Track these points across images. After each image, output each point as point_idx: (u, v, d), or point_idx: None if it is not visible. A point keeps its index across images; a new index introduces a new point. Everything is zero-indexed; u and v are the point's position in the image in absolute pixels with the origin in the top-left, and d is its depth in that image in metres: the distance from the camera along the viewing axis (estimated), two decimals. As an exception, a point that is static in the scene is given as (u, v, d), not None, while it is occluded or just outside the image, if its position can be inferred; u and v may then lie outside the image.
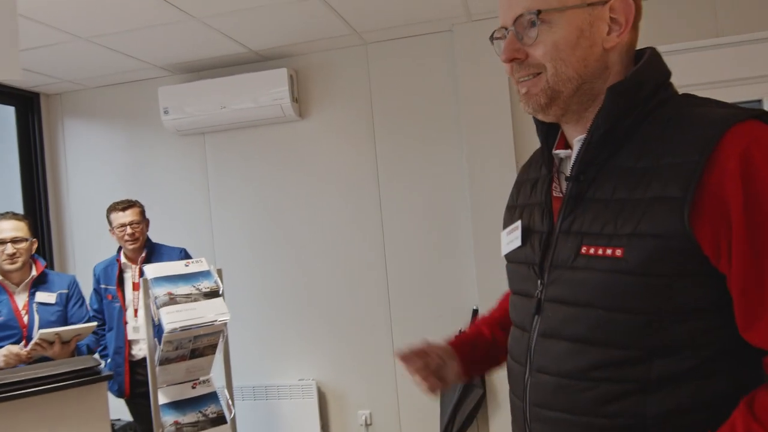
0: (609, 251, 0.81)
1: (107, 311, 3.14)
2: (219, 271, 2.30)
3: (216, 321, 2.14)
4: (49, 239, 4.03)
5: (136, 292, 3.13)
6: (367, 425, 3.68)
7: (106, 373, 1.92)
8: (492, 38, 0.96)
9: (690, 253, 0.78)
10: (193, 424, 2.16)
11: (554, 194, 0.95)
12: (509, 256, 1.03)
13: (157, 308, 2.09)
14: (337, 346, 3.73)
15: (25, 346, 2.57)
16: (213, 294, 2.22)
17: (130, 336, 3.10)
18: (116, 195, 3.26)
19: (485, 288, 3.34)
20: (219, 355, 2.32)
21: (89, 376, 1.85)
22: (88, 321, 2.80)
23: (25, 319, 2.62)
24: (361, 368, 3.71)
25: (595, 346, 0.83)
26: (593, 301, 0.83)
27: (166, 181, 3.97)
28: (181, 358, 2.19)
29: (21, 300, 2.65)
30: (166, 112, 3.78)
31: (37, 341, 2.40)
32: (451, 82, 3.51)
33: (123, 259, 3.15)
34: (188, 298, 2.16)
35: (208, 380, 2.32)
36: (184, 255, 3.17)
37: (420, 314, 3.60)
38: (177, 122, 3.78)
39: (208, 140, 3.94)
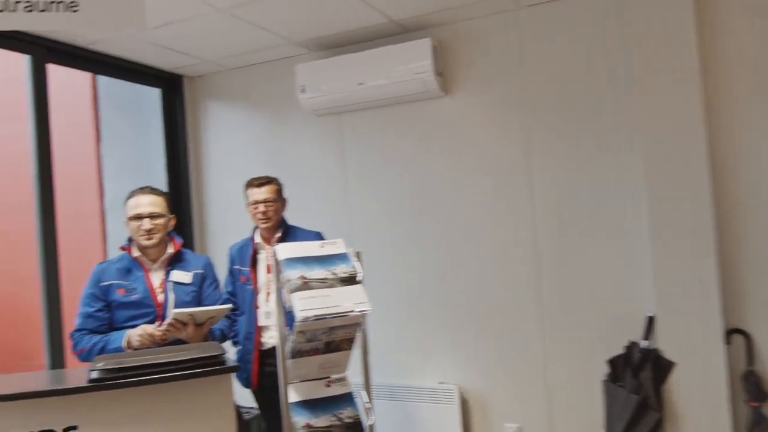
0: None
1: (240, 294, 2.99)
2: (358, 255, 1.99)
3: (354, 311, 1.84)
4: (190, 220, 4.04)
5: (269, 275, 2.95)
6: (515, 440, 3.25)
7: (231, 363, 1.69)
8: None
9: None
10: (327, 429, 1.88)
11: None
12: None
13: (289, 293, 1.83)
14: (482, 349, 3.33)
15: (160, 326, 2.45)
16: (350, 280, 1.93)
17: (261, 322, 2.92)
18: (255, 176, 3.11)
19: (665, 293, 2.78)
20: (356, 351, 2.02)
21: (212, 366, 1.63)
22: (223, 304, 2.65)
23: (160, 297, 2.50)
24: (510, 376, 3.28)
25: None
26: None
27: (303, 163, 3.81)
28: (315, 352, 1.92)
29: (157, 278, 2.54)
30: (303, 90, 3.60)
31: (171, 322, 2.26)
32: (623, 52, 2.96)
33: (257, 239, 2.99)
34: (323, 283, 1.88)
35: (343, 379, 2.03)
36: (320, 240, 2.97)
37: (578, 319, 3.10)
38: (314, 101, 3.59)
39: (345, 120, 3.71)
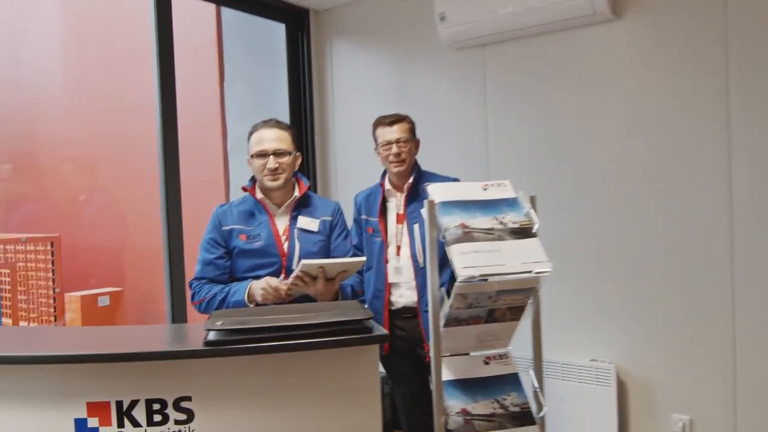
0: None
1: (367, 247, 2.65)
2: (532, 200, 1.53)
3: (531, 272, 1.41)
4: (313, 164, 3.77)
5: (399, 225, 2.58)
6: (684, 434, 2.71)
7: (380, 331, 1.32)
8: None
9: None
10: (488, 418, 1.48)
11: None
12: None
13: (447, 245, 1.42)
14: (648, 325, 2.78)
15: (284, 277, 2.15)
16: (524, 232, 1.48)
17: (391, 278, 2.58)
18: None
19: None
20: (524, 322, 1.59)
21: (356, 333, 1.27)
22: (354, 256, 2.31)
23: (285, 246, 2.19)
24: (683, 358, 2.70)
25: None
26: None
27: (438, 103, 3.36)
28: (474, 321, 1.51)
29: (282, 224, 2.23)
30: (442, 19, 3.13)
31: (299, 274, 1.94)
32: None
33: (387, 186, 2.62)
34: (489, 234, 1.45)
35: (506, 356, 1.61)
36: None
37: (788, 295, 2.46)
38: (453, 30, 3.11)
39: (489, 53, 3.20)
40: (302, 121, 3.81)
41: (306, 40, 3.80)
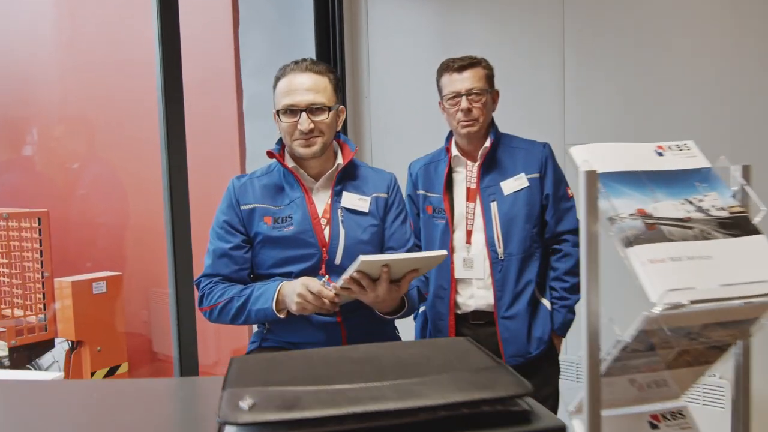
0: None
1: (426, 231, 2.09)
2: (745, 171, 0.93)
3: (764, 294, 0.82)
4: (344, 124, 3.20)
5: (471, 204, 2.00)
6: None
7: (553, 422, 0.72)
8: None
9: None
10: None
11: None
12: None
13: (624, 246, 0.83)
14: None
15: (322, 275, 1.59)
16: (738, 225, 0.89)
17: (458, 273, 2.01)
18: (427, 71, 2.13)
19: None
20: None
21: (516, 426, 0.67)
22: (414, 247, 1.73)
23: (326, 233, 1.61)
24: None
25: None
26: None
27: (504, 57, 2.75)
28: (650, 368, 0.93)
29: (321, 202, 1.65)
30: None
31: (354, 275, 1.37)
32: None
33: (455, 152, 2.03)
34: (686, 228, 0.86)
35: (682, 414, 1.03)
36: (552, 162, 1.99)
37: None
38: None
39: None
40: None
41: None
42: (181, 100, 2.53)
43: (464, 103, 1.92)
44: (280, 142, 1.71)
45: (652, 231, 0.89)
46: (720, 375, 2.28)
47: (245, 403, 0.60)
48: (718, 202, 0.95)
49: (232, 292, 1.59)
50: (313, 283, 1.46)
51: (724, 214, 0.94)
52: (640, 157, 1.00)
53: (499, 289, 1.93)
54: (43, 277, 3.24)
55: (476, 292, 1.98)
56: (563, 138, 2.63)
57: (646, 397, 1.06)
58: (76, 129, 3.62)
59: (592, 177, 0.90)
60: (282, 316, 1.52)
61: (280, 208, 1.63)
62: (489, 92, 1.97)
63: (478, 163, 1.99)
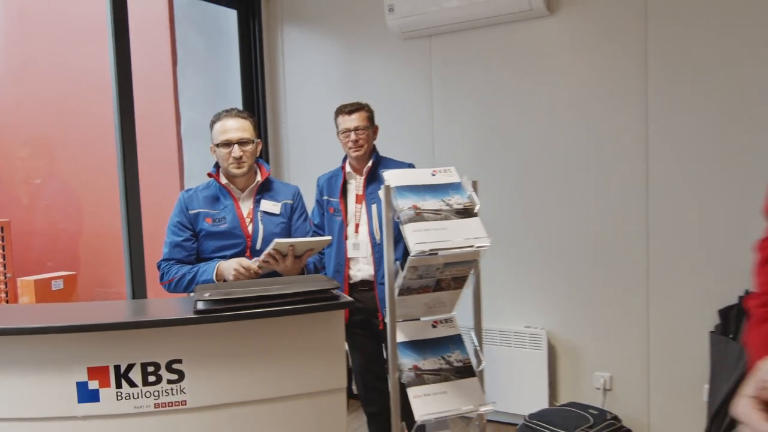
0: None
1: (328, 225, 2.85)
2: (474, 184, 1.77)
3: (473, 246, 1.64)
4: (265, 147, 3.92)
5: (359, 206, 2.80)
6: (605, 390, 3.06)
7: (345, 298, 1.53)
8: None
9: None
10: (435, 372, 1.73)
11: None
12: None
13: (401, 224, 1.64)
14: (573, 294, 3.11)
15: (248, 257, 2.33)
16: (467, 212, 1.72)
17: (350, 253, 2.79)
18: (333, 104, 2.90)
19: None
20: (466, 290, 1.84)
21: (325, 300, 1.48)
22: (313, 235, 2.50)
23: (249, 228, 2.36)
24: (603, 323, 3.05)
25: None
26: None
27: (386, 90, 3.57)
28: (424, 290, 1.74)
29: (246, 207, 2.40)
30: (390, 10, 3.32)
31: (270, 252, 2.11)
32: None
33: (348, 169, 2.82)
34: (437, 214, 1.68)
35: (451, 320, 1.86)
36: None
37: (688, 264, 2.82)
38: (401, 22, 3.32)
39: (434, 43, 3.42)
40: (254, 107, 3.94)
41: (257, 27, 3.91)
42: (134, 126, 3.17)
43: (353, 136, 2.72)
44: (217, 166, 2.45)
45: (419, 216, 1.71)
46: (541, 327, 3.17)
47: (206, 293, 1.34)
48: (459, 200, 1.79)
49: (184, 270, 2.31)
50: (245, 261, 2.21)
51: (461, 207, 1.77)
52: (421, 176, 1.83)
53: (377, 264, 2.73)
54: (6, 278, 3.79)
55: (362, 267, 2.77)
56: (432, 157, 3.47)
57: (432, 311, 1.88)
58: (39, 149, 4.17)
59: (388, 188, 1.72)
60: (220, 283, 2.25)
61: (217, 211, 2.37)
62: (370, 128, 2.78)
63: (363, 177, 2.78)
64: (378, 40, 3.56)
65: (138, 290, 3.21)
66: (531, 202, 3.18)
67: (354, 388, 3.35)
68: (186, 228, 2.37)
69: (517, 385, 3.18)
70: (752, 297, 0.83)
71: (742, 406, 0.63)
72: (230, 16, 3.87)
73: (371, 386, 2.82)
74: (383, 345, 2.78)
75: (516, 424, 3.05)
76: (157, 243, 3.01)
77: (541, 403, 3.09)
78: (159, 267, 2.38)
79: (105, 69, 3.18)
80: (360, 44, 3.66)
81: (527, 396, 3.14)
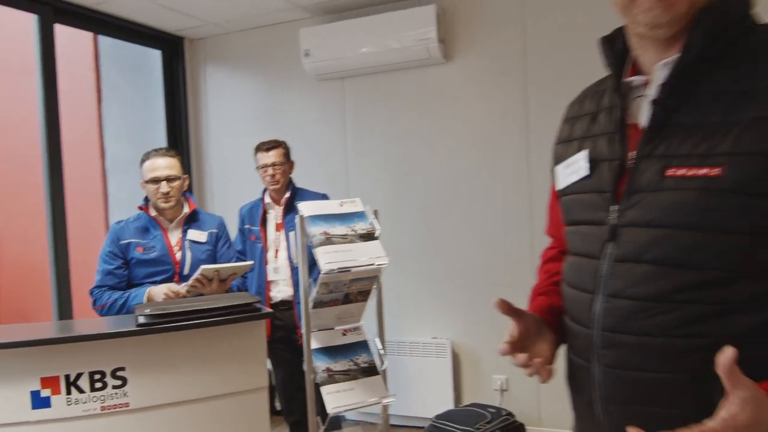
0: (703, 170, 0.81)
1: (250, 252, 3.12)
2: (375, 213, 2.13)
3: (373, 264, 1.99)
4: (190, 180, 4.13)
5: (278, 233, 3.09)
6: (502, 391, 3.47)
7: (265, 311, 1.83)
8: None
9: None
10: (345, 372, 2.04)
11: (628, 122, 0.95)
12: (571, 188, 1.02)
13: (313, 247, 1.96)
14: (473, 306, 3.52)
15: (177, 282, 2.57)
16: (369, 236, 2.07)
17: (270, 276, 3.07)
18: (254, 140, 3.20)
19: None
20: (370, 302, 2.18)
21: (249, 312, 1.77)
22: (237, 261, 2.77)
23: (178, 255, 2.61)
24: (499, 330, 3.44)
25: (683, 268, 0.83)
26: (685, 222, 0.83)
27: (304, 128, 3.90)
28: (334, 303, 2.06)
29: (174, 237, 2.65)
30: (306, 55, 3.67)
31: (198, 277, 2.37)
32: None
33: (267, 200, 3.11)
34: (344, 239, 2.01)
35: (358, 328, 2.19)
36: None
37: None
38: (317, 65, 3.67)
39: (347, 85, 3.80)
40: (179, 143, 4.14)
41: (181, 67, 4.14)
42: (61, 161, 3.31)
43: (270, 171, 3.02)
44: (146, 200, 2.68)
45: (329, 240, 2.04)
46: (446, 337, 3.56)
47: (147, 309, 1.60)
48: (362, 226, 2.13)
49: (116, 296, 2.52)
50: (174, 286, 2.45)
51: (364, 232, 2.12)
52: (330, 206, 2.16)
53: (295, 285, 3.02)
54: None
55: (282, 288, 3.06)
56: (347, 187, 3.81)
57: (342, 321, 2.20)
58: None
59: (302, 218, 2.04)
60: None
61: (147, 241, 2.59)
62: (287, 163, 3.09)
63: (282, 207, 3.09)
64: (295, 81, 3.89)
65: (65, 318, 3.32)
66: (435, 225, 3.59)
67: (277, 404, 3.59)
68: (117, 257, 2.59)
69: (425, 391, 3.53)
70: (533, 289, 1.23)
71: None
72: (156, 56, 4.08)
73: (293, 397, 3.08)
74: (302, 359, 3.07)
75: (424, 427, 3.40)
76: (83, 272, 3.18)
77: (447, 405, 3.46)
78: (92, 293, 2.58)
79: (33, 104, 3.32)
80: (278, 84, 3.97)
81: (435, 400, 3.49)
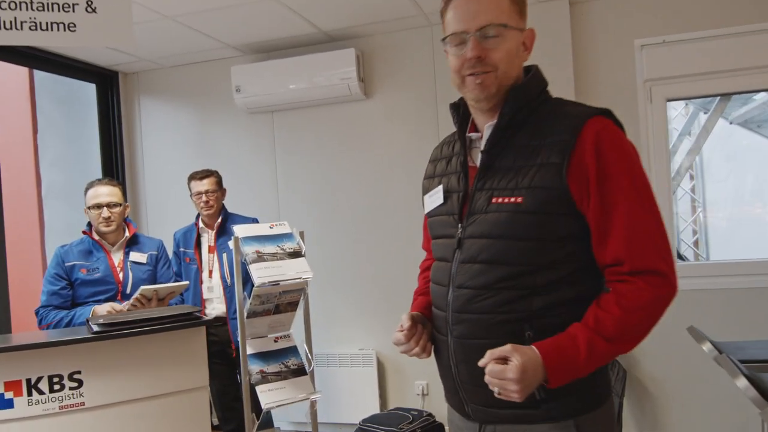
0: (512, 199, 1.18)
1: (185, 273, 3.36)
2: (301, 234, 2.46)
3: (300, 278, 2.31)
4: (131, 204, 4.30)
5: (211, 255, 3.35)
6: (423, 395, 3.83)
7: (204, 319, 2.11)
8: (444, 40, 1.28)
9: (565, 199, 1.16)
10: (277, 374, 2.34)
11: (469, 165, 1.31)
12: (433, 212, 1.37)
13: (248, 265, 2.26)
14: (396, 318, 3.78)
15: (119, 301, 2.79)
16: (296, 254, 2.39)
17: (205, 295, 3.32)
18: (187, 169, 3.45)
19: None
20: (298, 312, 2.49)
21: (192, 320, 2.04)
22: (175, 281, 3.01)
23: (120, 276, 2.84)
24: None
25: (500, 265, 1.19)
26: (502, 234, 1.19)
27: (236, 157, 4.17)
28: (266, 313, 2.36)
29: (116, 258, 2.87)
30: (238, 91, 3.97)
31: (138, 297, 2.60)
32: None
33: (201, 224, 3.37)
34: (274, 256, 2.32)
35: (288, 335, 2.49)
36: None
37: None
38: (248, 100, 3.97)
39: (276, 118, 4.11)
40: (114, 172, 4.31)
41: (116, 99, 4.32)
42: (0, 190, 3.44)
43: (204, 198, 3.29)
44: (89, 225, 2.89)
45: (260, 258, 2.34)
46: (372, 348, 3.89)
47: (99, 319, 1.85)
48: (290, 245, 2.45)
49: (62, 314, 2.72)
50: (117, 305, 2.67)
51: (291, 250, 2.44)
52: (261, 229, 2.47)
53: (228, 302, 3.28)
54: None
55: (216, 306, 3.31)
56: (278, 211, 4.11)
57: (273, 330, 2.50)
58: None
59: (237, 239, 2.34)
60: (95, 323, 2.69)
61: (90, 263, 2.81)
62: (219, 191, 3.37)
63: (214, 231, 3.35)
64: (227, 114, 4.17)
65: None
66: (358, 244, 3.93)
67: (214, 419, 3.80)
68: (62, 278, 2.79)
69: (353, 398, 3.84)
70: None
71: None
72: (90, 89, 4.26)
73: (229, 407, 3.32)
74: (237, 371, 3.32)
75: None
76: (20, 297, 3.33)
77: (374, 410, 3.78)
78: (37, 313, 2.77)
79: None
80: (211, 117, 4.24)
81: (362, 406, 3.81)
